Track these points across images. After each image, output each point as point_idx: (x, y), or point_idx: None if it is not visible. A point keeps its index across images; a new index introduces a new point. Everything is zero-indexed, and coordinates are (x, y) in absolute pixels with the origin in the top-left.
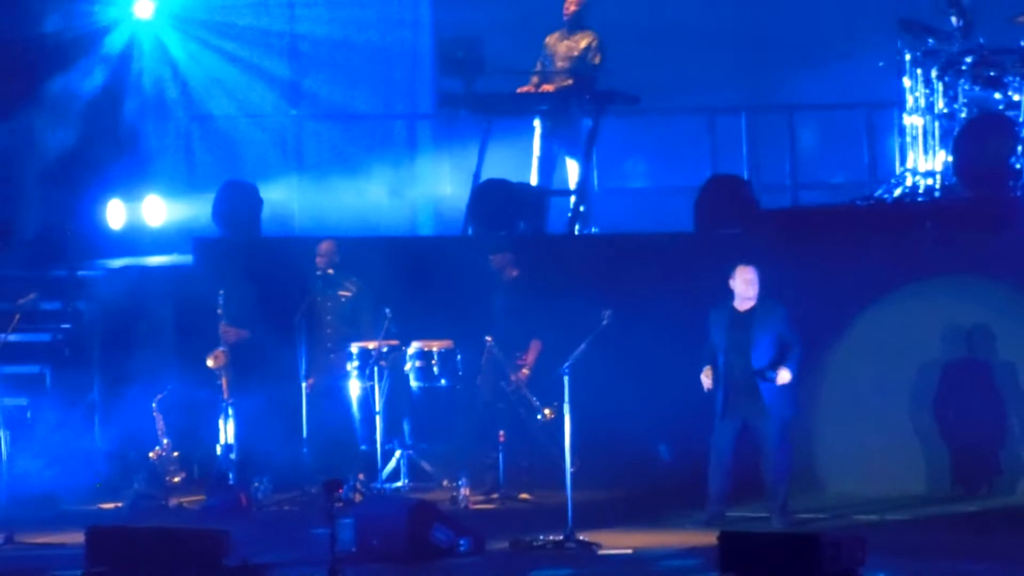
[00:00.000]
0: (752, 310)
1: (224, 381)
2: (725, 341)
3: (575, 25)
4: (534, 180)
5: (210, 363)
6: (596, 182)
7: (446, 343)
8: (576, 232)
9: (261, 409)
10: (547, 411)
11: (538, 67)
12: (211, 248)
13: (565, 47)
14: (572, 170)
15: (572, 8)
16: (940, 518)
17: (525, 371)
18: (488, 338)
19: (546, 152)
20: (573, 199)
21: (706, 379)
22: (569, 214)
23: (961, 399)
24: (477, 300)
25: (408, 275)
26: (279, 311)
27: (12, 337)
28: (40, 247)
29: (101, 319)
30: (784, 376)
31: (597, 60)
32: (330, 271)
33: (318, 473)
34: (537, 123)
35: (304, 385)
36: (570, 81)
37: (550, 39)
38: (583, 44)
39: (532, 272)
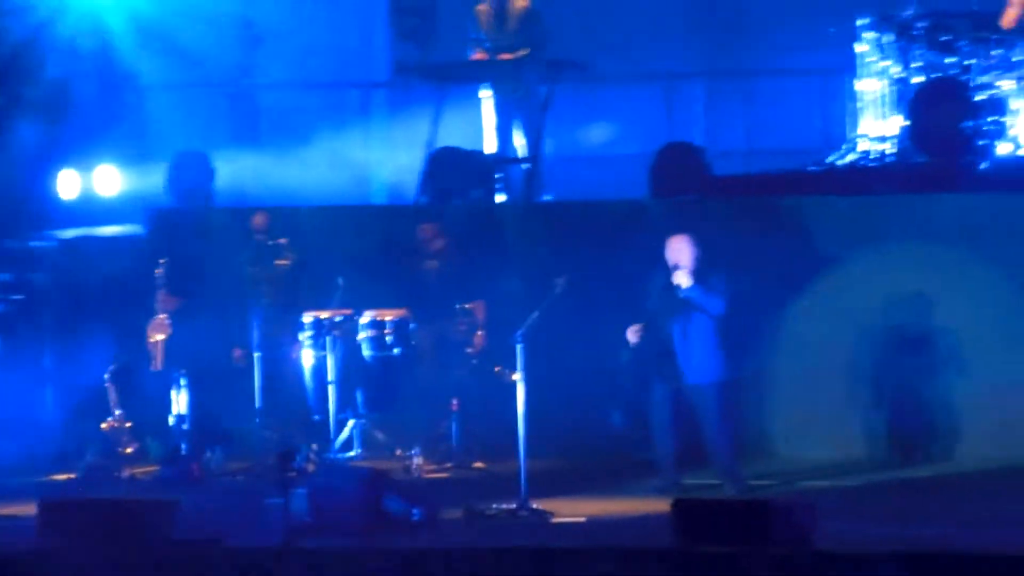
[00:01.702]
0: (689, 274)
1: (159, 350)
2: (657, 306)
3: None
4: (490, 149)
5: (156, 335)
6: (551, 150)
7: (399, 312)
8: (530, 200)
9: (212, 379)
10: (515, 375)
11: (474, 40)
12: (163, 218)
13: (495, 26)
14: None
15: None
16: (890, 483)
17: (480, 333)
18: (469, 304)
19: (503, 121)
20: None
21: (632, 334)
22: (522, 182)
23: (902, 365)
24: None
25: (361, 244)
26: (230, 281)
27: None
28: None
29: (53, 290)
30: (681, 276)
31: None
32: (268, 242)
33: (271, 443)
34: (486, 93)
35: (255, 356)
36: (526, 51)
37: (480, 9)
38: (518, 7)
39: (459, 239)
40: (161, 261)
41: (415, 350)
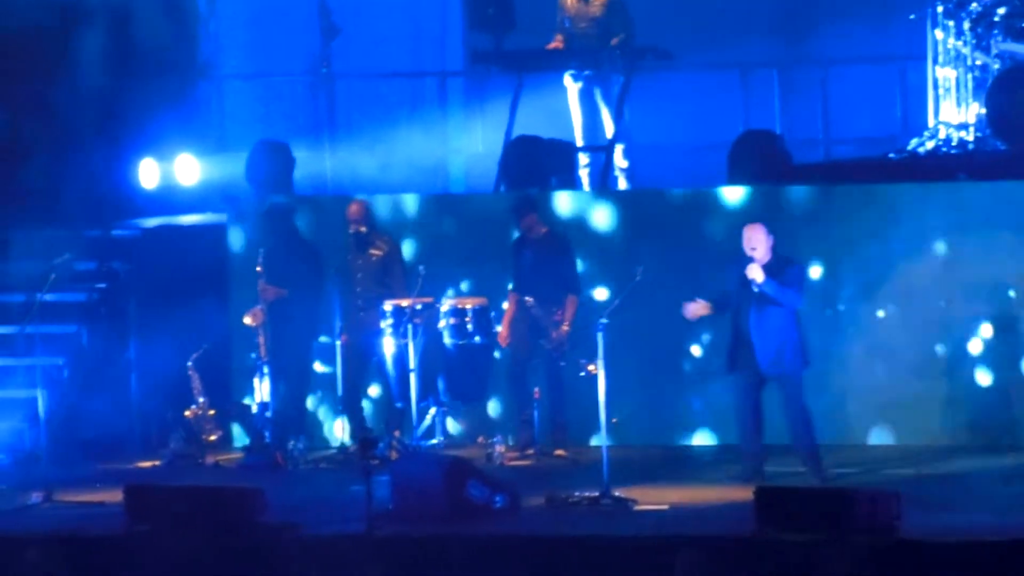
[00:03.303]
0: (764, 268)
1: (261, 340)
2: (736, 296)
3: None
4: (580, 140)
5: (248, 321)
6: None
7: (480, 300)
8: (607, 188)
9: (298, 367)
10: (591, 367)
11: (558, 25)
12: (245, 207)
13: (582, 9)
14: (607, 124)
15: None
16: (977, 472)
17: (565, 327)
18: (528, 299)
19: (588, 110)
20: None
21: (693, 308)
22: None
23: (986, 351)
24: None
25: (441, 232)
26: (317, 270)
27: (48, 297)
28: (74, 206)
29: (136, 278)
30: (754, 269)
31: (617, 38)
32: (362, 229)
33: (354, 431)
34: (569, 83)
35: (338, 343)
36: (618, 37)
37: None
38: (600, 2)
39: (563, 228)
40: (261, 251)
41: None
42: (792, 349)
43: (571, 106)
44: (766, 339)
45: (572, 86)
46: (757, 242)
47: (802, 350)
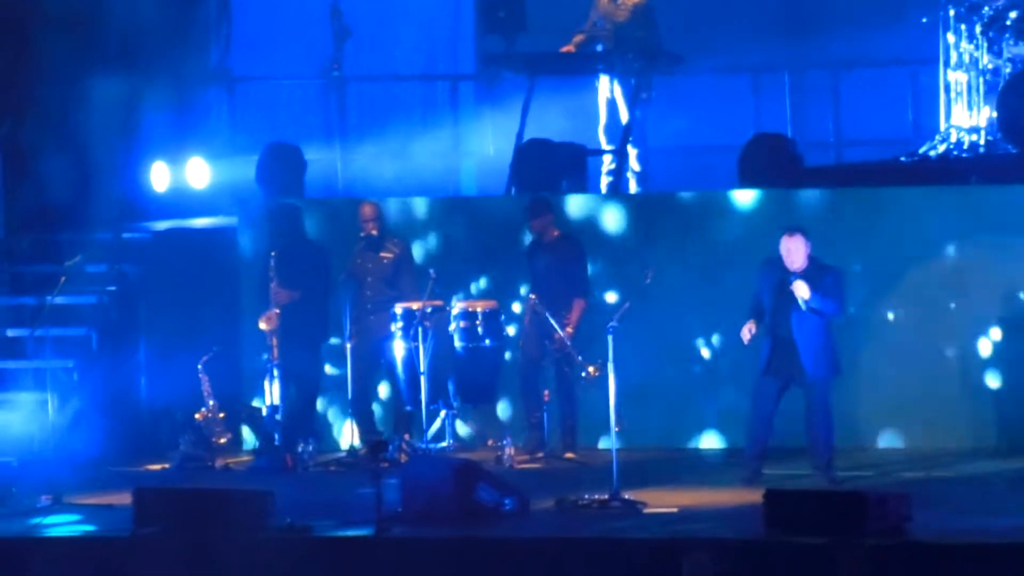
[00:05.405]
0: (802, 273)
1: (275, 342)
2: (773, 301)
3: None
4: (604, 142)
5: (263, 326)
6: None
7: (490, 303)
8: (619, 191)
9: (308, 370)
10: (591, 368)
11: (588, 24)
12: (256, 210)
13: (611, 10)
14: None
15: None
16: (987, 475)
17: (569, 329)
18: (532, 296)
19: (613, 112)
20: (612, 158)
21: (746, 333)
22: (611, 173)
23: (1008, 355)
24: (521, 260)
25: (452, 235)
26: (322, 272)
27: (58, 299)
28: (85, 209)
29: (147, 281)
30: (800, 287)
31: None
32: (375, 231)
33: (363, 434)
34: (603, 84)
35: (347, 346)
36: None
37: None
38: (631, 2)
39: (576, 232)
40: (272, 254)
41: (514, 340)
42: (828, 354)
43: (600, 107)
44: (808, 343)
45: (604, 88)
46: (796, 254)
47: (835, 355)
